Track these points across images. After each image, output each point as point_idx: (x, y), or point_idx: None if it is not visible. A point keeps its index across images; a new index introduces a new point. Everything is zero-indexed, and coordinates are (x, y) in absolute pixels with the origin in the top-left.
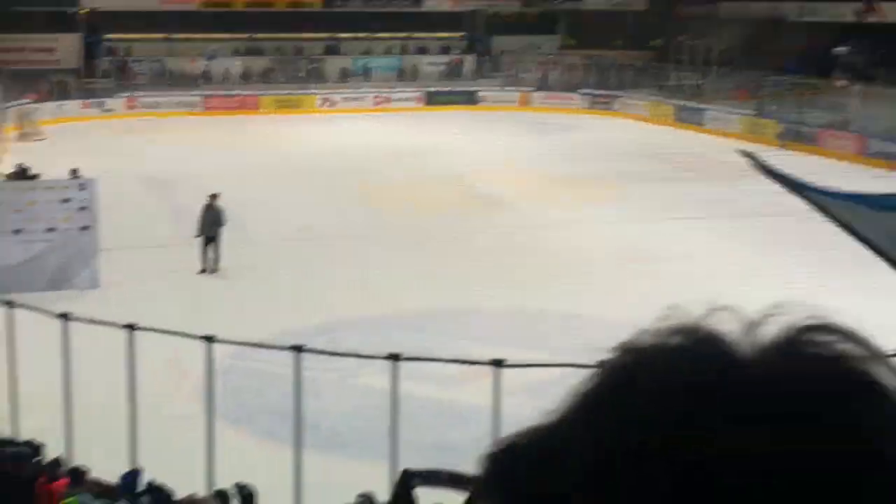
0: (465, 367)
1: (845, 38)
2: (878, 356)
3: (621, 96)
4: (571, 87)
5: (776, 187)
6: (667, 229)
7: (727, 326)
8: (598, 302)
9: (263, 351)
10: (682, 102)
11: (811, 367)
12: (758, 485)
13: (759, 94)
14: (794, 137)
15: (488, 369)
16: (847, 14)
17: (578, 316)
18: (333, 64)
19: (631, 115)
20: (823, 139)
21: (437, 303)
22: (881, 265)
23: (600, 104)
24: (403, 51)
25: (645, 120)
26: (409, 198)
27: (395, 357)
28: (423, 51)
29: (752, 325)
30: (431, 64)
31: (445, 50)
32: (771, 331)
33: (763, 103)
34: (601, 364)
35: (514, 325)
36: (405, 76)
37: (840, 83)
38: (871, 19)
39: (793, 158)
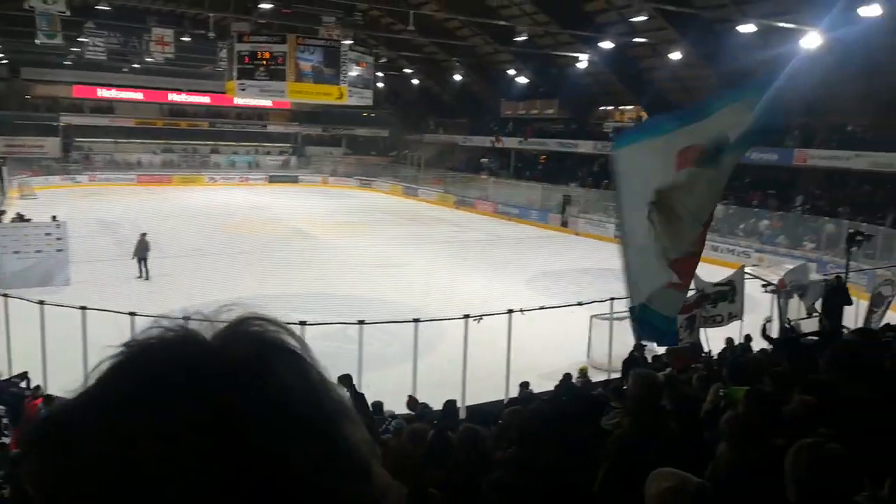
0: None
1: (486, 153)
2: (285, 330)
3: (376, 180)
4: (349, 175)
5: (461, 228)
6: (397, 250)
7: (204, 322)
8: (361, 287)
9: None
10: (406, 184)
11: (246, 338)
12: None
13: (444, 181)
14: (463, 203)
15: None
16: (488, 142)
17: (351, 296)
18: (215, 159)
19: (380, 190)
20: (478, 204)
21: (271, 290)
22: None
23: (364, 184)
24: (256, 152)
25: (388, 193)
26: (257, 231)
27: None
28: (267, 152)
29: (215, 317)
30: (272, 160)
31: (280, 152)
32: (227, 319)
33: (446, 186)
34: (114, 355)
35: (315, 301)
36: (256, 166)
37: (483, 176)
38: (499, 145)
39: (461, 214)
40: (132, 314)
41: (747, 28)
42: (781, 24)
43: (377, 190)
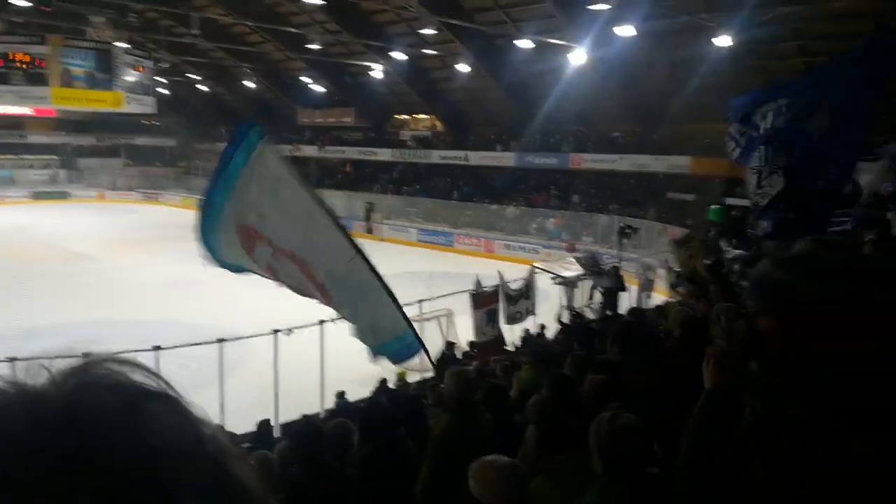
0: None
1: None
2: (136, 367)
3: (163, 193)
4: (132, 188)
5: None
6: (193, 267)
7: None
8: (154, 310)
9: None
10: (199, 196)
11: (93, 384)
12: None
13: None
14: None
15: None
16: (285, 151)
17: (143, 320)
18: None
19: (170, 203)
20: None
21: (45, 321)
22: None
23: (150, 197)
24: (15, 166)
25: (178, 206)
26: (22, 256)
27: (13, 359)
28: (30, 166)
29: (52, 365)
30: (36, 174)
31: (47, 165)
32: (68, 364)
33: None
34: None
35: (100, 329)
36: (16, 182)
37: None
38: (297, 153)
39: None
40: None
41: (524, 44)
42: (553, 42)
43: (166, 203)
